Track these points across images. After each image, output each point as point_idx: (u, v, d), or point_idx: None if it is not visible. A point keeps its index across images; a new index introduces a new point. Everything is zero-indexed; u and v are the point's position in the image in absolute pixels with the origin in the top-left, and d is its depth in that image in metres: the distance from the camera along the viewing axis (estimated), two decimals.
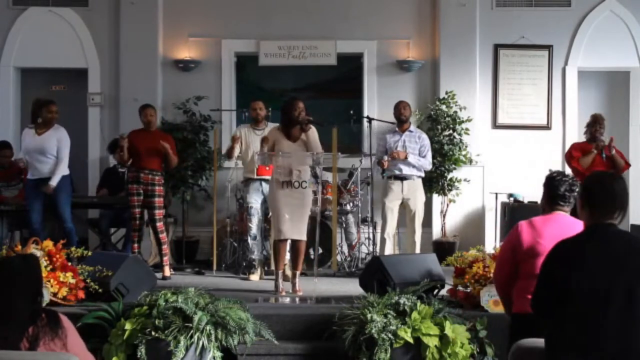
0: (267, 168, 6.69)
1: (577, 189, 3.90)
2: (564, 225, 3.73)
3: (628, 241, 2.97)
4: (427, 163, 7.37)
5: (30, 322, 3.03)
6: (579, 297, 2.86)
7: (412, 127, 7.45)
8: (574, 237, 3.06)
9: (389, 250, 7.17)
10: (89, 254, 5.80)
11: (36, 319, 3.04)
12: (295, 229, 5.97)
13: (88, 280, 5.32)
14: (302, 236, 6.02)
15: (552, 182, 3.92)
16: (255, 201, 6.97)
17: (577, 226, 3.59)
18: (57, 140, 6.89)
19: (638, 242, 2.99)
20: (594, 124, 7.06)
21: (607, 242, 2.94)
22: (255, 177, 7.00)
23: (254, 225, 6.98)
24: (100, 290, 5.30)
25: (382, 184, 7.47)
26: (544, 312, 3.05)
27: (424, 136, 7.48)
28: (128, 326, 4.74)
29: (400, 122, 7.35)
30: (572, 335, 2.87)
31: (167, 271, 6.92)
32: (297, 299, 5.85)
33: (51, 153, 6.86)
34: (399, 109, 7.35)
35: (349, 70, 9.02)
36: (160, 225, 6.91)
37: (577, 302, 2.87)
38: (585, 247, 2.95)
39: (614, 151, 6.93)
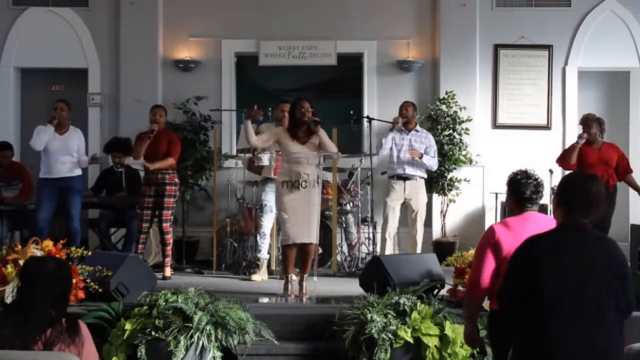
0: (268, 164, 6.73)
1: (542, 189, 3.89)
2: (541, 224, 3.69)
3: (599, 240, 3.00)
4: (435, 164, 7.42)
5: (49, 326, 3.00)
6: (547, 293, 2.88)
7: (418, 127, 7.47)
8: (545, 234, 3.08)
9: (389, 250, 7.17)
10: (89, 254, 5.80)
11: (55, 323, 3.02)
12: (304, 232, 5.83)
13: (88, 280, 5.32)
14: (311, 239, 5.86)
15: (517, 185, 3.86)
16: (270, 200, 6.83)
17: (552, 223, 3.61)
18: (79, 140, 7.16)
19: (608, 241, 3.03)
20: (582, 126, 7.13)
21: (578, 241, 2.96)
22: (272, 176, 6.89)
23: (266, 224, 6.90)
24: (100, 290, 5.30)
25: (384, 184, 7.47)
26: (510, 307, 3.06)
27: (430, 136, 7.52)
28: (128, 326, 4.75)
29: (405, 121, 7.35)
30: (539, 332, 2.88)
31: (168, 272, 6.90)
32: (300, 299, 5.83)
33: (72, 154, 7.03)
34: (401, 108, 7.39)
35: (349, 70, 9.02)
36: (166, 226, 6.86)
37: (544, 298, 2.89)
38: (557, 245, 2.97)
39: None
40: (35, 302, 3.03)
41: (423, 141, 7.34)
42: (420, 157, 7.18)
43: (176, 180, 6.90)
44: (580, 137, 7.03)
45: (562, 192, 3.09)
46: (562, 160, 7.08)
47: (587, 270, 2.89)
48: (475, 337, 3.88)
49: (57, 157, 6.95)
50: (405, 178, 7.20)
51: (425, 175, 7.42)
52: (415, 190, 7.23)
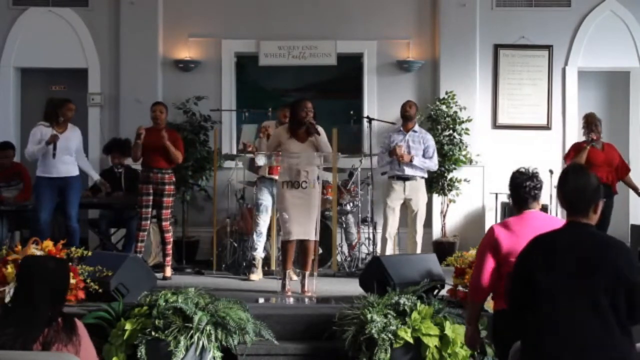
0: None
1: (540, 186, 3.89)
2: (540, 223, 3.69)
3: (602, 240, 2.99)
4: (433, 165, 7.35)
5: (47, 325, 3.00)
6: (551, 294, 2.89)
7: (417, 127, 7.43)
8: (548, 234, 3.08)
9: (389, 250, 7.17)
10: (89, 254, 5.80)
11: (52, 322, 3.01)
12: (304, 229, 5.92)
13: (88, 280, 5.32)
14: (311, 236, 5.96)
15: (515, 182, 3.89)
16: (266, 199, 6.92)
17: (552, 222, 3.63)
18: (78, 140, 7.09)
19: (610, 240, 3.01)
20: (588, 126, 7.11)
21: (580, 241, 2.96)
22: (267, 175, 6.94)
23: (262, 222, 6.94)
24: (100, 290, 5.30)
25: (384, 184, 7.46)
26: (517, 308, 3.07)
27: (429, 137, 7.44)
28: (128, 326, 4.75)
29: (405, 119, 7.33)
30: (545, 332, 2.89)
31: (169, 271, 6.90)
32: (300, 299, 5.83)
33: (72, 153, 6.99)
34: (404, 106, 7.36)
35: (349, 70, 9.02)
36: (166, 224, 6.88)
37: (549, 299, 2.89)
38: (558, 245, 2.98)
39: None
40: (35, 302, 3.03)
41: (421, 142, 7.29)
42: (411, 161, 7.14)
43: (174, 179, 6.94)
44: (591, 138, 7.01)
45: (559, 191, 3.11)
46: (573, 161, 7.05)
47: (591, 270, 2.87)
48: (476, 340, 3.89)
49: (58, 157, 6.91)
50: (405, 178, 7.19)
51: (426, 175, 7.40)
52: (415, 190, 7.21)
